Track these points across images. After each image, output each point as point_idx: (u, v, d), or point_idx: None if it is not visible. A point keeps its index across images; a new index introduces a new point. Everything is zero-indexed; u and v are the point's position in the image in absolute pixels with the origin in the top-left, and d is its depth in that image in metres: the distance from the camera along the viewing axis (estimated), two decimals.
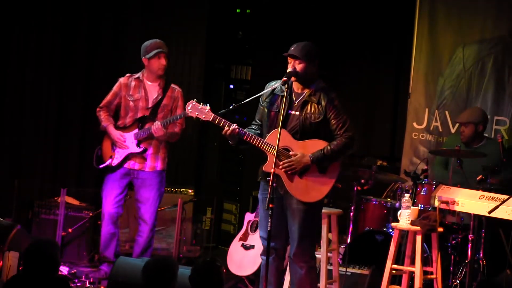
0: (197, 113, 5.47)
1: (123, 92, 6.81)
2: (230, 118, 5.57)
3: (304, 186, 5.42)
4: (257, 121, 5.62)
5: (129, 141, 6.74)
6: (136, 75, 6.82)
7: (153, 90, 6.78)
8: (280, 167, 5.37)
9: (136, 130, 6.73)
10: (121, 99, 6.81)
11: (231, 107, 5.58)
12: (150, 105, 6.74)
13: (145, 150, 6.71)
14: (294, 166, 5.37)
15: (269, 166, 5.35)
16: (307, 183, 5.43)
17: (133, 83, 6.80)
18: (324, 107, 5.42)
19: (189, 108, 5.50)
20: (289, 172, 5.38)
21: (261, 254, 5.63)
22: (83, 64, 8.09)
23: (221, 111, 5.53)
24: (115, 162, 6.77)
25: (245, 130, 5.49)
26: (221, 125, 5.44)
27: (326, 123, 5.43)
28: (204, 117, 5.46)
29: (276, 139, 5.29)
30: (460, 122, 7.13)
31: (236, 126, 5.41)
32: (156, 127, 6.59)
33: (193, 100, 5.53)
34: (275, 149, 5.30)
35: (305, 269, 5.52)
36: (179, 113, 6.67)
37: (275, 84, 5.55)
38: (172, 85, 6.83)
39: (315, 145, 5.41)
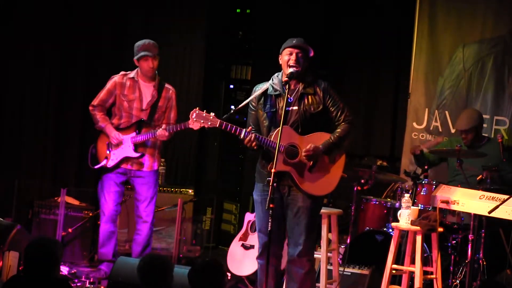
0: (202, 121, 5.46)
1: (117, 91, 6.81)
2: (231, 121, 5.56)
3: (315, 180, 5.48)
4: (252, 125, 5.60)
5: (126, 144, 6.74)
6: (131, 74, 6.82)
7: (147, 91, 6.79)
8: (304, 155, 5.39)
9: (133, 134, 6.73)
10: (115, 97, 6.82)
11: (232, 111, 5.57)
12: (144, 107, 6.75)
13: (142, 155, 6.72)
14: (311, 154, 5.40)
15: (278, 165, 5.36)
16: (318, 176, 5.49)
17: (128, 83, 6.80)
18: (322, 97, 5.50)
19: (193, 116, 5.47)
20: (307, 160, 5.41)
21: (257, 258, 5.61)
22: (83, 63, 8.09)
23: (224, 116, 5.51)
24: (111, 164, 6.77)
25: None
26: (227, 129, 5.43)
27: (325, 112, 5.51)
28: (210, 124, 5.45)
29: (283, 136, 5.34)
30: (461, 130, 7.08)
31: (251, 131, 5.41)
32: (161, 132, 6.60)
33: (197, 108, 5.50)
34: (282, 145, 5.36)
35: (308, 268, 5.52)
36: (184, 123, 6.54)
37: (264, 86, 5.58)
38: (166, 85, 6.83)
39: (321, 138, 5.49)
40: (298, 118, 5.46)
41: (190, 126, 6.42)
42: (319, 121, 5.50)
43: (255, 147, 5.41)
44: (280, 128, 5.29)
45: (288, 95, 5.44)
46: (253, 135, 5.38)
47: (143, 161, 6.76)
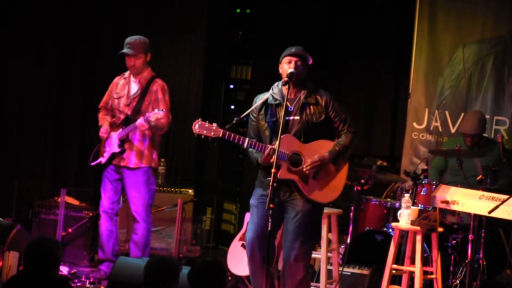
0: (205, 131, 5.41)
1: (113, 90, 6.85)
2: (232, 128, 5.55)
3: (320, 187, 5.46)
4: (253, 136, 5.58)
5: (114, 141, 6.76)
6: (126, 73, 6.85)
7: (134, 86, 6.80)
8: (305, 169, 5.38)
9: (120, 130, 6.76)
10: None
11: (234, 121, 5.55)
12: (128, 102, 6.75)
13: (123, 151, 6.72)
14: (318, 164, 5.38)
15: (282, 174, 5.36)
16: (323, 183, 5.47)
17: (121, 81, 6.86)
18: (324, 107, 5.47)
19: (196, 127, 5.44)
20: (311, 173, 5.40)
21: (248, 264, 5.58)
22: (83, 63, 8.10)
23: (227, 126, 5.48)
24: (103, 160, 6.81)
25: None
26: (231, 139, 5.40)
27: (328, 122, 5.48)
28: (213, 134, 5.40)
29: (285, 145, 5.34)
30: (466, 133, 7.07)
31: (270, 147, 5.37)
32: (140, 121, 6.58)
33: (199, 119, 5.47)
34: (285, 154, 5.35)
35: (302, 275, 5.48)
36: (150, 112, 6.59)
37: (265, 96, 5.55)
38: (156, 79, 6.80)
39: (324, 146, 5.47)
40: (301, 127, 5.43)
41: (149, 118, 6.43)
42: (321, 130, 5.47)
43: (272, 161, 5.28)
44: (280, 130, 5.27)
45: (288, 103, 5.42)
46: (271, 148, 5.34)
47: (127, 157, 6.73)
